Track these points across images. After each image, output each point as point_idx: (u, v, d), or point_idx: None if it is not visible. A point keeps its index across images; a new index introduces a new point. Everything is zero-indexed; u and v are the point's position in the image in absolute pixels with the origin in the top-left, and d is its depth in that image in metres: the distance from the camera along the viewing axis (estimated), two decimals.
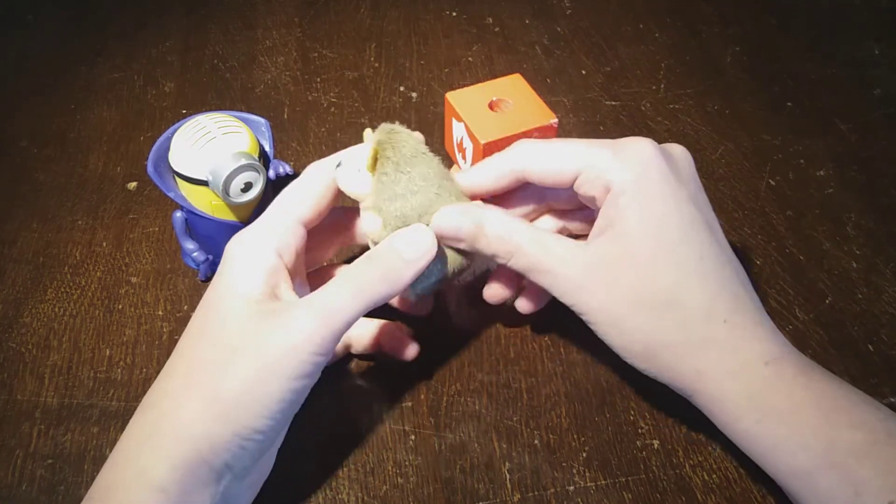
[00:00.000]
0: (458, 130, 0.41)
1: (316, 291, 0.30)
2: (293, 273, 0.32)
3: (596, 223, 0.32)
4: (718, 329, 0.30)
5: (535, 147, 0.33)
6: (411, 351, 0.37)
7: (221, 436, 0.28)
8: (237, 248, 0.31)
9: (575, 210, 0.36)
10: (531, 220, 0.37)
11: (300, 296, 0.31)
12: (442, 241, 0.33)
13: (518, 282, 0.37)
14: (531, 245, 0.32)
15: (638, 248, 0.30)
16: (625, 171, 0.31)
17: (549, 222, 0.37)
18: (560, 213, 0.37)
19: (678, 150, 0.33)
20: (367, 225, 0.33)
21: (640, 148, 0.31)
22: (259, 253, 0.31)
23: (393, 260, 0.31)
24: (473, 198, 0.35)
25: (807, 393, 0.29)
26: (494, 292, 0.37)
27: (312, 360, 0.29)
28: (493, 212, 0.33)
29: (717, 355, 0.30)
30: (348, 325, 0.30)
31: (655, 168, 0.31)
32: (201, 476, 0.28)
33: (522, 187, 0.35)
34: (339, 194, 0.34)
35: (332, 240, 0.37)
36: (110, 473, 0.29)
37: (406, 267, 0.31)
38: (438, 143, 0.50)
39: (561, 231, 0.37)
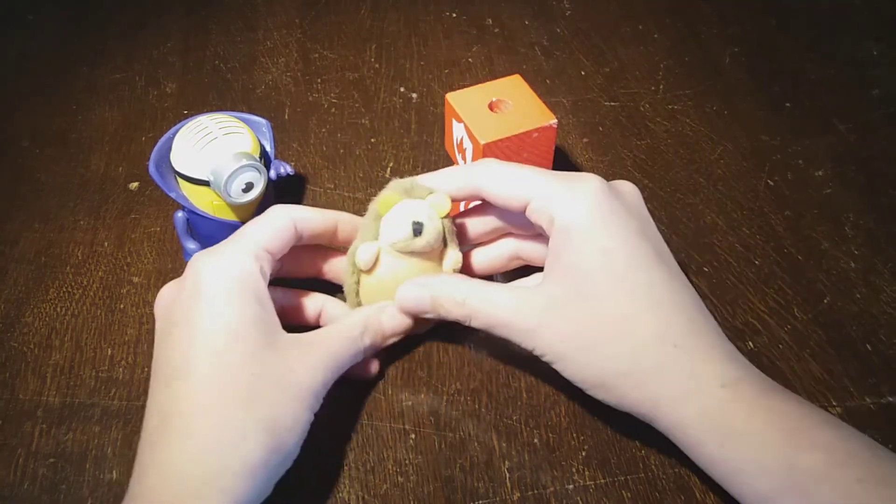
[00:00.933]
0: (458, 131, 0.41)
1: (320, 333, 0.34)
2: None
3: (547, 259, 0.33)
4: (670, 355, 0.30)
5: (492, 167, 0.35)
6: (373, 368, 0.38)
7: (274, 463, 0.30)
8: (219, 270, 0.32)
9: (533, 236, 0.37)
10: (492, 240, 0.38)
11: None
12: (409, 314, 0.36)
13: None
14: (484, 305, 0.33)
15: (586, 283, 0.32)
16: (572, 206, 0.32)
17: (510, 244, 0.38)
18: (520, 237, 0.38)
19: (627, 186, 0.35)
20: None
21: (588, 184, 0.33)
22: (250, 277, 0.32)
23: (378, 330, 0.36)
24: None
25: (767, 415, 0.29)
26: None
27: (321, 396, 0.32)
28: (446, 280, 0.35)
29: (670, 380, 0.30)
30: (342, 371, 0.34)
31: (602, 203, 0.32)
32: None
33: (487, 206, 0.37)
34: (300, 237, 0.35)
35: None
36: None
37: (387, 338, 0.37)
38: (438, 144, 0.51)
39: (516, 258, 0.38)
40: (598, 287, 0.31)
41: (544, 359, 0.33)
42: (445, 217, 0.36)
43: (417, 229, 0.35)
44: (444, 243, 0.36)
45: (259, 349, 0.30)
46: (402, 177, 0.36)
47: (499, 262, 0.38)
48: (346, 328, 0.35)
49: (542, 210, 0.33)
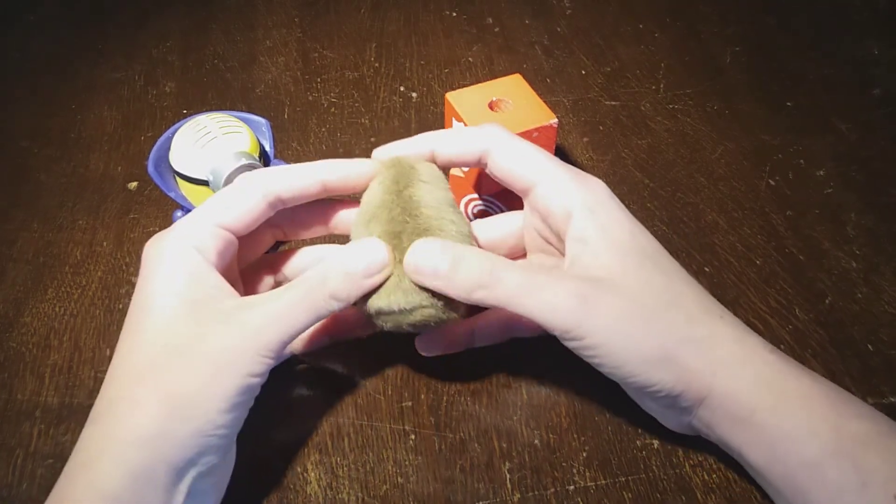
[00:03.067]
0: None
1: (269, 295, 0.30)
2: (225, 273, 0.32)
3: (570, 246, 0.32)
4: (719, 323, 0.31)
5: (502, 137, 0.33)
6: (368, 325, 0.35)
7: (182, 432, 0.28)
8: (157, 248, 0.31)
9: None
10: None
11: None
12: (416, 279, 0.30)
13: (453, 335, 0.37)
14: (514, 272, 0.30)
15: (626, 259, 0.31)
16: (587, 196, 0.32)
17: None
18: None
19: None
20: None
21: (597, 181, 0.33)
22: (182, 252, 0.31)
23: (341, 273, 0.30)
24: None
25: (813, 381, 0.30)
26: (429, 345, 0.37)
27: (264, 360, 0.29)
28: (469, 247, 0.31)
29: (726, 347, 0.30)
30: (299, 333, 0.30)
31: (613, 199, 0.33)
32: (160, 478, 0.28)
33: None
34: (272, 208, 0.33)
35: (263, 237, 0.36)
36: (64, 485, 0.28)
37: (357, 282, 0.30)
38: None
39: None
40: (641, 264, 0.31)
41: (585, 342, 0.30)
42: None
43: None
44: None
45: (175, 321, 0.29)
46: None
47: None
48: (299, 281, 0.31)
49: (554, 196, 0.32)
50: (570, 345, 0.30)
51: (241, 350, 0.29)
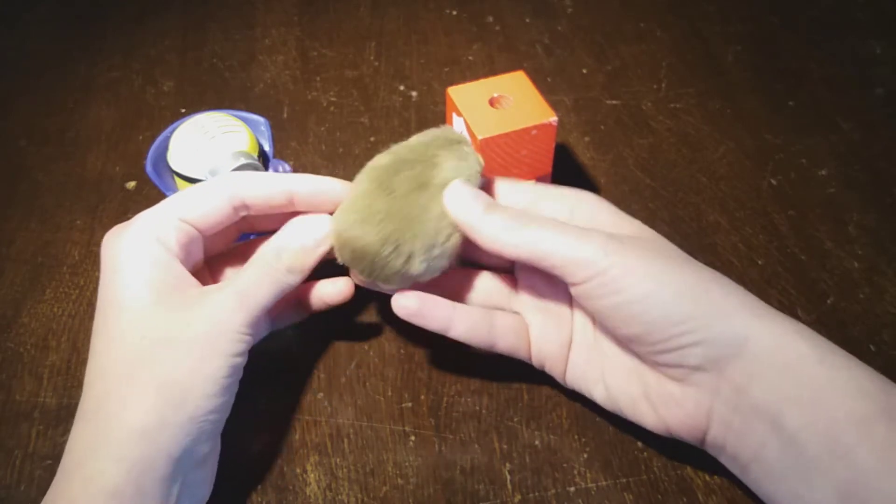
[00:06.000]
0: (458, 126, 0.41)
1: (231, 278, 0.32)
2: (190, 266, 0.32)
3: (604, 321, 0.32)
4: (750, 299, 0.30)
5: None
6: (344, 288, 0.36)
7: (177, 421, 0.28)
8: (118, 241, 0.31)
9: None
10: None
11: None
12: (453, 211, 0.31)
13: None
14: (541, 218, 0.31)
15: (634, 240, 0.31)
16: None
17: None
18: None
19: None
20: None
21: (590, 202, 0.34)
22: (144, 243, 0.31)
23: (296, 248, 0.32)
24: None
25: (847, 354, 0.29)
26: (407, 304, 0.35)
27: (243, 338, 0.31)
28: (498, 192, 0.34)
29: (761, 322, 0.29)
30: (267, 307, 0.32)
31: (613, 208, 0.34)
32: (159, 470, 0.28)
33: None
34: (237, 212, 0.33)
35: (228, 232, 0.36)
36: (58, 487, 0.28)
37: (309, 254, 0.32)
38: None
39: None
40: (653, 240, 0.32)
41: (610, 297, 0.29)
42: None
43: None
44: None
45: (149, 312, 0.30)
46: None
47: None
48: (256, 258, 0.32)
49: (606, 286, 0.30)
50: (592, 289, 0.29)
51: (219, 332, 0.30)
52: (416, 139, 0.34)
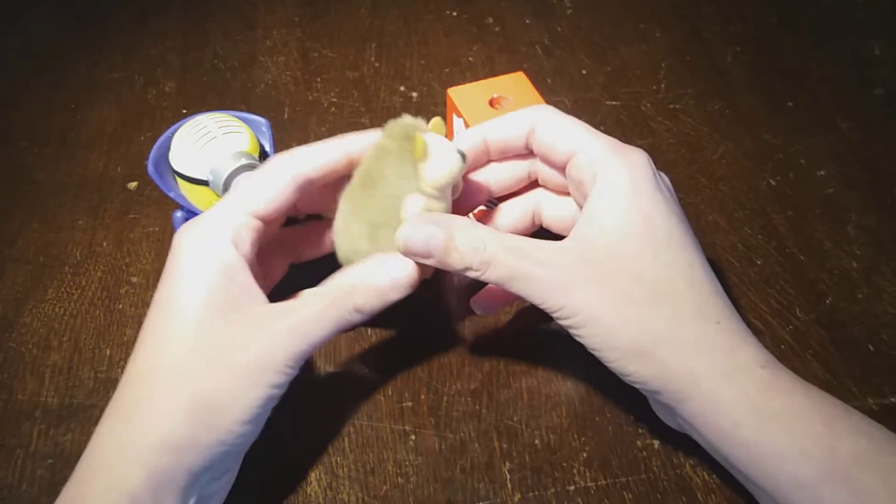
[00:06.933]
0: (458, 126, 0.41)
1: (296, 303, 0.30)
2: (253, 270, 0.31)
3: (581, 218, 0.31)
4: (711, 329, 0.29)
5: (549, 113, 0.33)
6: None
7: (205, 442, 0.28)
8: (190, 239, 0.30)
9: (560, 194, 0.36)
10: (520, 192, 0.36)
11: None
12: (409, 257, 0.31)
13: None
14: (507, 253, 0.30)
15: (627, 244, 0.30)
16: (618, 168, 0.31)
17: (537, 198, 0.36)
18: (549, 191, 0.36)
19: (667, 177, 0.33)
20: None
21: (636, 153, 0.32)
22: (217, 246, 0.30)
23: (369, 288, 0.31)
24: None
25: (805, 399, 0.28)
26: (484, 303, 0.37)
27: (288, 371, 0.29)
28: (463, 221, 0.31)
29: (711, 356, 0.29)
30: (323, 343, 0.30)
31: (650, 175, 0.31)
32: (178, 482, 0.28)
33: (519, 156, 0.35)
34: (301, 191, 0.32)
35: (282, 257, 0.36)
36: (80, 483, 0.28)
37: (382, 296, 0.31)
38: None
39: (539, 220, 0.36)
40: (640, 251, 0.30)
41: (571, 321, 0.30)
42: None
43: (463, 154, 0.32)
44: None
45: (206, 324, 0.29)
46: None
47: (524, 223, 0.36)
48: (327, 291, 0.31)
49: (587, 165, 0.31)
50: (558, 322, 0.30)
51: (269, 360, 0.29)
52: (380, 141, 0.33)
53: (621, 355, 0.29)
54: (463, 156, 0.32)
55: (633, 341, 0.29)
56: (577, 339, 0.30)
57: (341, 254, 0.34)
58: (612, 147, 0.31)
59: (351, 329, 0.32)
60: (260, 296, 0.30)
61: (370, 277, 0.31)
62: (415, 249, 0.31)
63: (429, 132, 0.33)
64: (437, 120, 0.33)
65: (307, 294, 0.31)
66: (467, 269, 0.30)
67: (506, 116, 0.34)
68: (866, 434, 0.27)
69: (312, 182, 0.32)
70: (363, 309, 0.30)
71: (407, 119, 0.32)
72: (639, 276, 0.29)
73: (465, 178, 0.35)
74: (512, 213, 0.36)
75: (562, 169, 0.33)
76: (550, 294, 0.29)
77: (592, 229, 0.30)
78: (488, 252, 0.30)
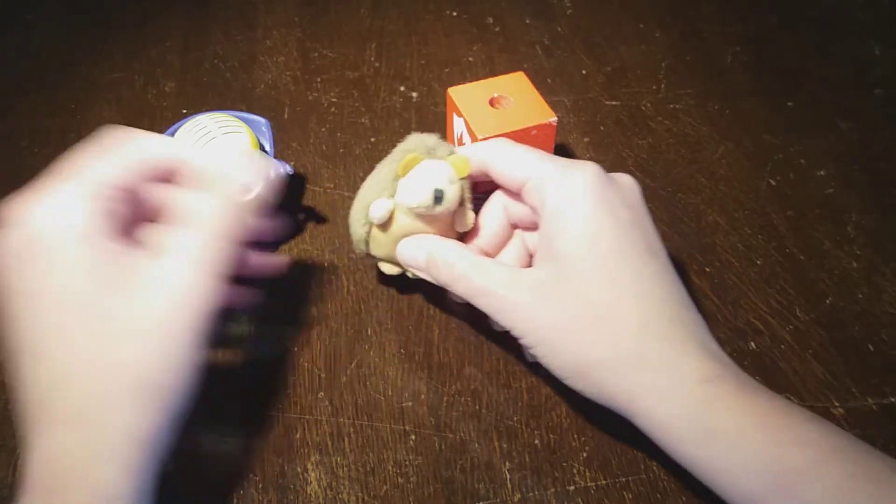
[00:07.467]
0: (458, 126, 0.41)
1: (174, 240, 0.29)
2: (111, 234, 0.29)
3: (537, 242, 0.33)
4: (651, 347, 0.30)
5: (500, 146, 0.35)
6: (274, 262, 0.36)
7: (163, 424, 0.28)
8: (32, 219, 0.28)
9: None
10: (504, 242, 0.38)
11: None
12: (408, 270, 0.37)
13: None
14: (472, 271, 0.33)
15: (572, 266, 0.31)
16: (565, 189, 0.32)
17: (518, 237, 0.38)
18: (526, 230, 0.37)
19: (626, 179, 0.34)
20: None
21: (584, 170, 0.32)
22: (67, 219, 0.28)
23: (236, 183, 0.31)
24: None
25: (749, 413, 0.28)
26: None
27: (208, 316, 0.29)
28: (441, 243, 0.35)
29: (649, 374, 0.30)
30: (228, 263, 0.30)
31: (596, 190, 0.32)
32: (151, 473, 0.28)
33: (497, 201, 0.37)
34: (156, 170, 0.31)
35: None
36: (48, 496, 0.27)
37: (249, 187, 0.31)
38: None
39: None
40: (584, 272, 0.31)
41: (523, 342, 0.32)
42: (464, 178, 0.35)
43: (439, 197, 0.34)
44: (460, 202, 0.36)
45: (95, 300, 0.27)
46: (422, 132, 0.36)
47: (502, 233, 0.38)
48: (202, 209, 0.30)
49: (537, 191, 0.33)
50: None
51: (182, 316, 0.28)
52: (390, 159, 0.36)
53: (568, 375, 0.31)
54: (438, 198, 0.34)
55: (576, 364, 0.31)
56: (532, 354, 0.32)
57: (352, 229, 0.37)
58: (558, 169, 0.33)
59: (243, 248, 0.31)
60: (129, 251, 0.29)
61: (255, 174, 0.32)
62: (405, 262, 0.36)
63: (439, 160, 0.35)
64: (462, 160, 0.35)
65: (180, 227, 0.30)
66: (445, 283, 0.34)
67: (463, 150, 0.36)
68: (812, 444, 0.27)
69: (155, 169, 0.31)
70: (252, 184, 0.31)
71: (429, 140, 0.35)
72: (584, 298, 0.31)
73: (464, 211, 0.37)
74: (491, 224, 0.37)
75: (515, 190, 0.35)
76: (505, 313, 0.32)
77: (545, 253, 0.32)
78: (457, 270, 0.33)
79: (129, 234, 0.31)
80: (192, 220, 0.30)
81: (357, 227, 0.36)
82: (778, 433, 0.28)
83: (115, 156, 0.30)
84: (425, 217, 0.35)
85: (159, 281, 0.28)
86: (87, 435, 0.27)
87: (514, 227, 0.37)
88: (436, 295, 0.40)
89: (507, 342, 0.39)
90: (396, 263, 0.38)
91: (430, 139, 0.35)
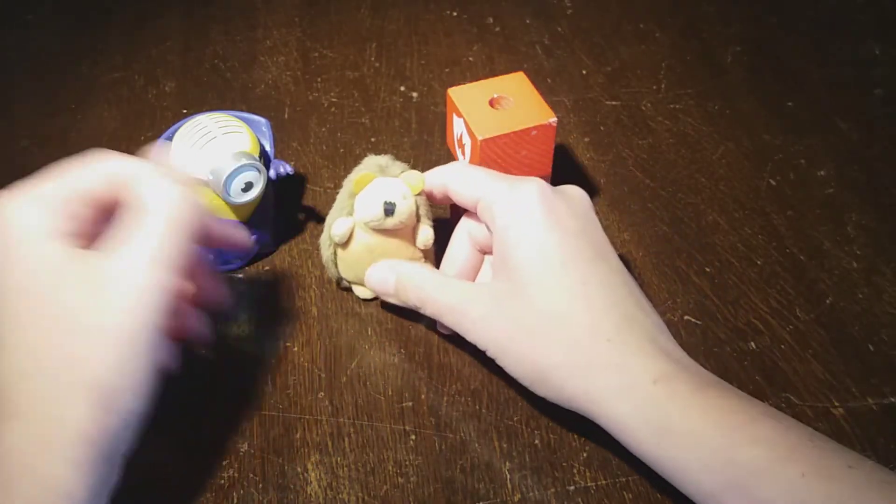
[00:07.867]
0: (458, 126, 0.41)
1: (129, 234, 0.29)
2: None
3: (493, 258, 0.35)
4: (602, 348, 0.31)
5: (456, 168, 0.37)
6: (203, 331, 0.36)
7: (115, 425, 0.28)
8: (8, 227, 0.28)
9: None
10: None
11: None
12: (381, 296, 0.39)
13: None
14: (437, 292, 0.35)
15: (523, 278, 0.32)
16: (512, 205, 0.34)
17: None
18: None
19: (574, 191, 0.36)
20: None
21: (528, 186, 0.34)
22: (24, 222, 0.28)
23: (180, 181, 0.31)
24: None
25: (703, 411, 0.28)
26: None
27: (165, 312, 0.29)
28: (409, 267, 0.37)
29: (602, 375, 0.30)
30: (185, 256, 0.30)
31: (541, 203, 0.33)
32: (102, 473, 0.28)
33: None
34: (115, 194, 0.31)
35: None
36: (4, 488, 0.27)
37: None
38: (439, 143, 0.50)
39: None
40: (535, 282, 0.32)
41: (489, 353, 0.34)
42: (419, 195, 0.37)
43: (389, 209, 0.36)
44: (418, 219, 0.38)
45: (53, 297, 0.28)
46: (377, 154, 0.38)
47: (472, 258, 0.39)
48: (156, 201, 0.30)
49: (487, 209, 0.34)
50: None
51: (144, 317, 0.28)
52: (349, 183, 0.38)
53: (530, 381, 0.33)
54: (388, 210, 0.36)
55: (535, 370, 0.32)
56: (498, 364, 0.34)
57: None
58: (505, 186, 0.34)
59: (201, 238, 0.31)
60: (96, 255, 0.29)
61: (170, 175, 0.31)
62: (373, 287, 0.38)
63: (392, 178, 0.37)
64: (415, 176, 0.37)
65: (131, 226, 0.30)
66: (415, 306, 0.36)
67: (433, 172, 0.37)
68: (766, 442, 0.27)
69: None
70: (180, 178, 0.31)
71: (381, 160, 0.37)
72: (536, 307, 0.32)
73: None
74: (460, 253, 0.38)
75: (471, 209, 0.36)
76: (469, 328, 0.34)
77: (500, 267, 0.34)
78: (425, 292, 0.35)
79: (94, 238, 0.31)
80: (147, 211, 0.30)
81: (324, 249, 0.39)
82: (732, 432, 0.28)
83: (87, 167, 0.31)
84: (383, 232, 0.37)
85: (114, 280, 0.28)
86: (39, 429, 0.27)
87: (482, 252, 0.39)
88: None
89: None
90: None
91: (383, 159, 0.37)
